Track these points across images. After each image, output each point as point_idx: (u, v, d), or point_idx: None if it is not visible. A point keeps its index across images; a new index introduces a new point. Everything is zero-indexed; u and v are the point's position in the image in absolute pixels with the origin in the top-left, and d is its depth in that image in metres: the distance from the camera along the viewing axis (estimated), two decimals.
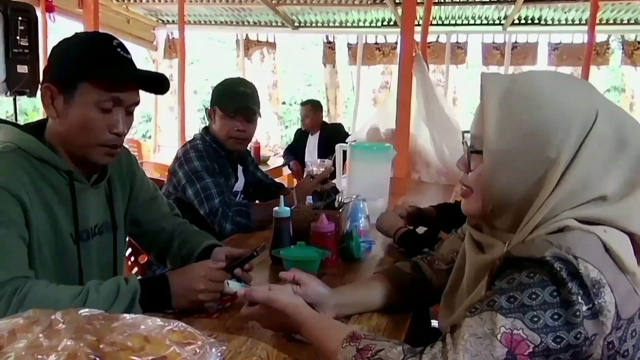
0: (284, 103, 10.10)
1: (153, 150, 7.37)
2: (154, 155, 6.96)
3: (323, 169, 2.16)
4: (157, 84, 1.31)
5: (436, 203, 2.05)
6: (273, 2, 6.43)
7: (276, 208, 1.62)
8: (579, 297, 0.77)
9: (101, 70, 1.21)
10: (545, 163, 0.89)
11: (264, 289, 1.07)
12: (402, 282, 1.27)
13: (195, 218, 2.02)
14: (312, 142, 5.03)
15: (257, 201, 2.43)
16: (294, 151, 5.15)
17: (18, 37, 4.20)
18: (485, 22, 6.39)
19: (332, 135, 4.63)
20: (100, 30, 6.36)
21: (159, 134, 7.75)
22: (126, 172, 1.49)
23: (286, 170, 5.43)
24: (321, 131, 5.01)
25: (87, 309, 0.79)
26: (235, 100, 2.12)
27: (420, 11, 4.79)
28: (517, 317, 0.78)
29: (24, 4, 4.32)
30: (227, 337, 1.10)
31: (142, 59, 8.17)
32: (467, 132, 1.02)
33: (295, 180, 5.20)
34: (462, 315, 0.84)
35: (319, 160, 2.33)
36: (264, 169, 4.93)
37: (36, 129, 1.30)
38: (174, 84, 6.85)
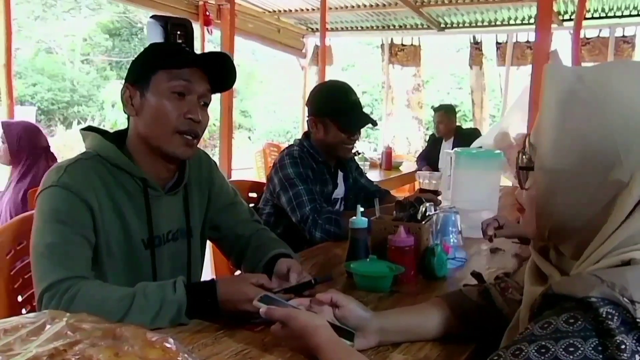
0: (432, 107, 9.83)
1: None
2: None
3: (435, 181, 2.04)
4: (224, 72, 1.35)
5: None
6: (417, 4, 6.28)
7: (352, 218, 1.53)
8: (635, 356, 0.59)
9: (170, 59, 1.30)
10: (614, 187, 0.70)
11: (286, 307, 1.00)
12: (465, 311, 1.10)
13: (290, 225, 2.02)
14: (446, 148, 4.79)
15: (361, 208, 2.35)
16: (428, 157, 4.97)
17: None
18: None
19: (467, 140, 4.37)
20: (250, 40, 6.77)
21: None
22: (205, 178, 1.51)
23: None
24: (455, 137, 4.77)
25: (84, 315, 0.79)
26: (356, 118, 2.12)
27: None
28: None
29: (182, 18, 4.71)
30: (258, 354, 1.04)
31: (292, 66, 8.50)
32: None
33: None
34: None
35: (428, 172, 2.20)
36: (394, 175, 4.89)
37: (118, 137, 1.37)
38: None
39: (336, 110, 2.07)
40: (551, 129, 0.74)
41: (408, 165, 5.31)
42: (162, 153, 1.33)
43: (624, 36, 5.71)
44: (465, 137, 4.65)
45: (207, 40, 6.16)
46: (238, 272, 2.29)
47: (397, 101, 7.08)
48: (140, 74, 1.32)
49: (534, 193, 0.79)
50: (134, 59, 1.38)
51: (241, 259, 1.56)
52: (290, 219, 2.02)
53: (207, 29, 6.13)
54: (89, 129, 1.39)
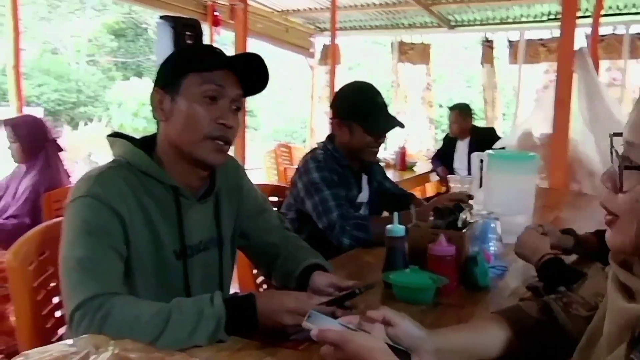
0: (440, 106, 9.78)
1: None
2: None
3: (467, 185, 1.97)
4: (256, 75, 1.30)
5: (597, 219, 1.70)
6: (427, 2, 6.21)
7: (389, 226, 1.46)
8: None
9: (201, 61, 1.24)
10: None
11: (340, 328, 0.93)
12: (525, 328, 1.03)
13: (315, 231, 1.95)
14: (462, 147, 4.72)
15: (385, 213, 2.29)
16: (443, 157, 4.88)
17: None
18: None
19: (483, 140, 4.29)
20: (259, 40, 6.71)
21: (313, 138, 7.93)
22: (234, 184, 1.45)
23: (434, 177, 5.18)
24: (471, 136, 4.68)
25: (129, 343, 0.73)
26: (383, 120, 2.04)
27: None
28: None
29: (191, 19, 4.69)
30: None
31: (300, 66, 8.44)
32: (619, 134, 0.76)
33: (443, 188, 4.93)
34: None
35: (458, 176, 2.13)
36: (408, 175, 4.81)
37: (148, 143, 1.31)
38: (329, 89, 6.98)
39: (362, 112, 2.00)
40: None
41: (422, 166, 5.22)
42: (193, 159, 1.27)
43: (638, 33, 5.61)
44: (481, 137, 4.57)
45: (214, 41, 6.11)
46: (260, 279, 2.24)
47: (408, 100, 7.01)
48: (171, 78, 1.26)
49: (637, 196, 0.70)
50: (161, 63, 1.32)
51: (271, 268, 1.50)
52: (315, 225, 1.96)
53: (216, 29, 6.08)
54: (116, 135, 1.33)
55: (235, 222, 1.46)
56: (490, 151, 2.01)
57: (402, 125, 2.05)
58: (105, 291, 1.09)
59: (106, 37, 16.58)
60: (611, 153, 0.75)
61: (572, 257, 1.66)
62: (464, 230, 1.48)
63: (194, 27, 4.54)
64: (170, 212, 1.26)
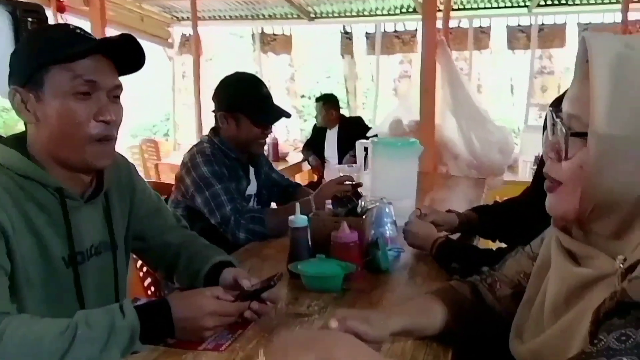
0: (302, 96, 9.95)
1: (173, 148, 7.26)
2: (174, 153, 6.84)
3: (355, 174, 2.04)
4: (130, 57, 1.16)
5: (467, 198, 1.86)
6: None
7: (292, 217, 1.45)
8: None
9: (62, 50, 1.07)
10: None
11: None
12: (462, 309, 1.06)
13: (206, 227, 1.88)
14: (331, 136, 4.84)
15: (273, 204, 2.28)
16: (313, 146, 4.97)
17: None
18: (509, 4, 6.10)
19: (352, 129, 4.45)
20: (112, 29, 6.29)
21: (177, 132, 7.65)
22: (125, 183, 1.34)
23: (306, 166, 5.26)
24: (340, 125, 4.81)
25: None
26: (269, 111, 2.02)
27: None
28: None
29: (34, 4, 4.23)
30: None
31: (158, 56, 8.06)
32: (559, 110, 0.80)
33: (315, 177, 5.03)
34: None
35: (347, 166, 2.20)
36: (282, 165, 4.83)
37: (19, 141, 1.15)
38: (189, 81, 6.76)
39: (249, 104, 1.96)
40: (604, 95, 0.71)
41: (292, 155, 5.28)
42: (76, 165, 1.14)
43: (480, 27, 6.18)
44: (349, 126, 4.72)
45: None
46: (148, 281, 2.11)
47: (273, 91, 7.03)
48: (30, 73, 1.08)
49: (581, 161, 0.75)
50: (14, 53, 1.13)
51: (173, 269, 1.42)
52: (207, 221, 1.89)
53: (61, 16, 5.59)
54: None
55: (129, 223, 1.35)
56: (373, 137, 2.07)
57: (288, 115, 2.05)
58: None
59: None
60: (553, 125, 0.80)
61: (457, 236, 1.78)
62: (363, 216, 1.51)
63: (38, 13, 4.11)
64: (56, 217, 1.14)
